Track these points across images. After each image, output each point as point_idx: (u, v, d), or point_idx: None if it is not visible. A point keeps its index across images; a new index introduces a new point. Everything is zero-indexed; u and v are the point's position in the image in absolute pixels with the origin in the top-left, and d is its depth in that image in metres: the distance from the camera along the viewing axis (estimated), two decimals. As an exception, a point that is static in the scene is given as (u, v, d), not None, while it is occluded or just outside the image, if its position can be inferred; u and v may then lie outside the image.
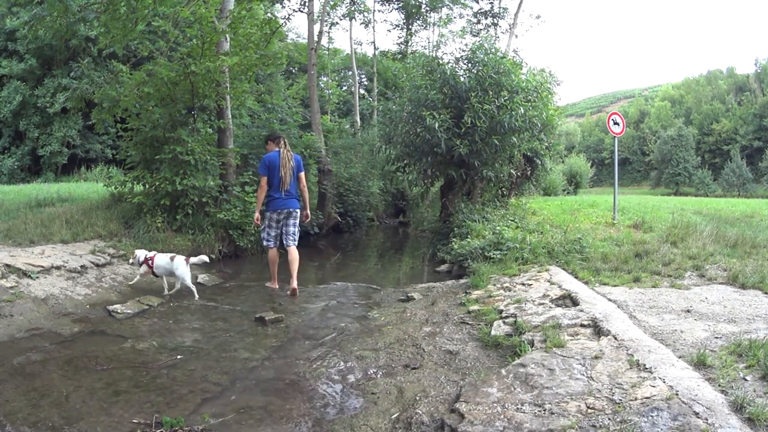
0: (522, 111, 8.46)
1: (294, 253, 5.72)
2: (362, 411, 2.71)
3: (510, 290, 4.81)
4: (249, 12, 8.70)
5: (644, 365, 2.63)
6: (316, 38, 14.03)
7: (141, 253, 5.43)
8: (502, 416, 2.31)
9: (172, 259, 5.31)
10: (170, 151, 7.44)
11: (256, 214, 5.82)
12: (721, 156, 60.80)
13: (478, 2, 24.93)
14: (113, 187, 8.39)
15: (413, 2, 26.31)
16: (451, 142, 8.43)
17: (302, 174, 5.91)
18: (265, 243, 5.91)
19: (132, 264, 5.66)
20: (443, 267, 7.35)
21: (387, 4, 26.68)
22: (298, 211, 5.89)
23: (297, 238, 5.89)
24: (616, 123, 8.90)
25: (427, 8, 27.24)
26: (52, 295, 4.71)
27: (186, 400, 2.89)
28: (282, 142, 5.76)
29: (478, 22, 25.41)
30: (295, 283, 5.54)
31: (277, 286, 5.82)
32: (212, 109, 8.96)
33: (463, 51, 9.50)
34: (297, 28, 60.19)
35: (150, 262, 5.34)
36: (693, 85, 74.74)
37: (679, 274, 4.90)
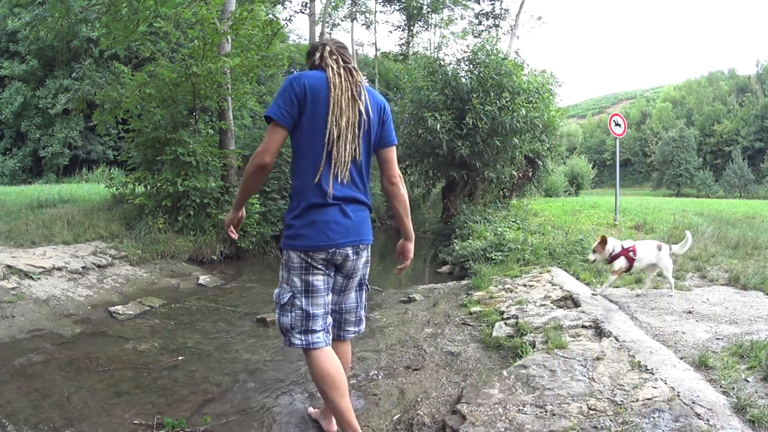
0: (523, 112, 8.46)
1: None
2: (364, 412, 2.71)
3: (511, 291, 4.80)
4: (250, 13, 8.71)
5: (646, 366, 2.62)
6: (317, 39, 14.05)
7: (614, 243, 4.06)
8: (503, 417, 2.30)
9: (659, 248, 4.09)
10: (172, 153, 7.46)
11: None
12: (722, 157, 60.62)
13: (479, 3, 24.99)
14: (115, 189, 8.41)
15: (414, 3, 26.34)
16: (452, 143, 8.43)
17: None
18: None
19: (596, 259, 4.18)
20: (445, 268, 7.34)
21: (388, 6, 26.74)
22: None
23: None
24: (617, 124, 8.90)
25: (429, 9, 27.27)
26: (53, 296, 4.72)
27: (187, 401, 2.89)
28: None
29: (480, 23, 25.46)
30: None
31: None
32: (214, 110, 8.97)
33: (465, 52, 9.51)
34: (298, 30, 60.18)
35: (631, 253, 4.04)
36: (694, 86, 74.57)
37: (680, 275, 4.90)
